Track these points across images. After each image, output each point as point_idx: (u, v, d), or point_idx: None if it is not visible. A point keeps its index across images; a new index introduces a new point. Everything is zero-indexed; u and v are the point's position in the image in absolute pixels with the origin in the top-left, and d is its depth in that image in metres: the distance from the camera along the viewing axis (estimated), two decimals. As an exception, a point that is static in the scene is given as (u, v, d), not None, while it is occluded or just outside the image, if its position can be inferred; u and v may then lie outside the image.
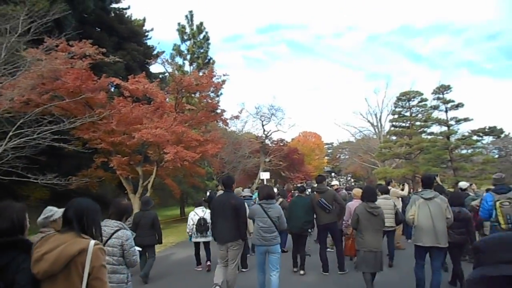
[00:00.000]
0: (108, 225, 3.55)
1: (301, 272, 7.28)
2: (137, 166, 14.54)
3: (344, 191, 11.23)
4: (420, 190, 5.94)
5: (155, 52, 23.89)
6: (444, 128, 23.08)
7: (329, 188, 8.09)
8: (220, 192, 14.16)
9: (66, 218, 2.39)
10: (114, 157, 13.39)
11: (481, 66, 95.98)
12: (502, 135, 34.46)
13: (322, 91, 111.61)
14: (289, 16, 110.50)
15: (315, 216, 7.44)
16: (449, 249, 5.61)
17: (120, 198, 4.07)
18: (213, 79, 14.43)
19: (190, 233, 7.94)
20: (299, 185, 10.82)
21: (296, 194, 8.37)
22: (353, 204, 7.25)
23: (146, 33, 31.76)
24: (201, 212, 7.88)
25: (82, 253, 2.21)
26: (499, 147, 34.29)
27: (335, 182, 10.70)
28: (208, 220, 7.61)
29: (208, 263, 7.93)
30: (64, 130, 10.83)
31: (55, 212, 3.52)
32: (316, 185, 7.72)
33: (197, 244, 8.02)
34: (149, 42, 30.69)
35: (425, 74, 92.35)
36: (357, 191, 8.22)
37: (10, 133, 8.56)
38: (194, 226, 7.79)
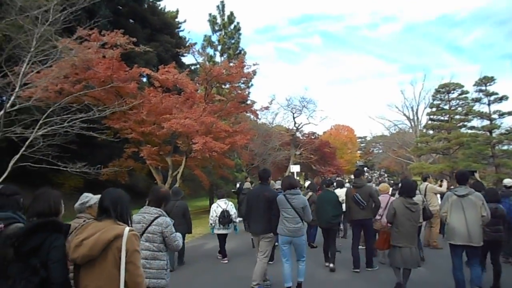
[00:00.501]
0: (148, 212, 3.59)
1: (331, 265, 7.11)
2: (167, 156, 14.53)
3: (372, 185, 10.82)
4: (455, 186, 5.70)
5: (187, 44, 23.84)
6: (486, 122, 21.67)
7: (367, 183, 7.88)
8: (247, 184, 14.16)
9: (102, 206, 2.58)
10: (144, 147, 13.41)
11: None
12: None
13: (355, 83, 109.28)
14: (323, 6, 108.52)
15: (347, 211, 7.29)
16: (487, 247, 5.51)
17: (159, 185, 4.05)
18: (243, 69, 14.13)
19: (213, 225, 7.98)
20: (327, 179, 10.58)
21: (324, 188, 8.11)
22: (380, 199, 7.29)
23: (179, 25, 32.00)
24: (223, 204, 7.98)
25: (118, 238, 2.39)
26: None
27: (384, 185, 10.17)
28: (231, 212, 7.87)
29: (225, 260, 8.02)
30: (94, 119, 10.88)
31: (90, 198, 3.65)
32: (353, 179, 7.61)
33: (220, 236, 8.05)
34: (181, 34, 31.05)
35: (465, 67, 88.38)
36: (383, 186, 8.41)
37: (41, 121, 8.62)
38: (217, 218, 7.84)
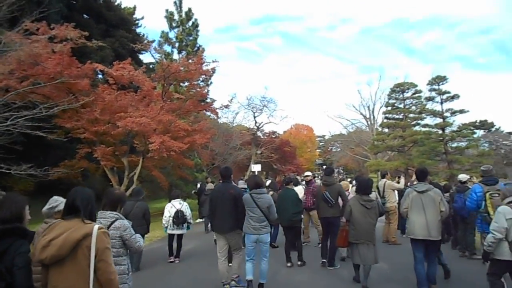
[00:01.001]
0: (104, 217, 3.40)
1: (299, 263, 7.21)
2: (123, 157, 13.99)
3: (318, 181, 11.11)
4: (415, 183, 5.97)
5: (145, 41, 23.10)
6: (439, 120, 22.72)
7: (336, 182, 8.00)
8: (210, 184, 13.91)
9: (72, 206, 2.54)
10: (98, 147, 12.81)
11: (473, 61, 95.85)
12: (493, 129, 34.59)
13: (315, 83, 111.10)
14: (284, 7, 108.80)
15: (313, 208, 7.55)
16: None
17: (113, 188, 3.90)
18: (202, 66, 13.83)
19: (166, 225, 7.94)
20: (286, 177, 10.64)
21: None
22: None
23: (137, 21, 31.00)
24: (178, 205, 7.97)
25: (87, 237, 2.37)
26: (490, 141, 34.33)
27: (308, 173, 10.37)
28: (186, 212, 7.88)
29: (177, 260, 7.97)
30: (42, 118, 10.27)
31: (60, 202, 3.53)
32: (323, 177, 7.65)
33: (171, 236, 8.03)
34: (139, 31, 30.08)
35: (417, 68, 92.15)
36: (344, 184, 8.62)
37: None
38: (171, 218, 7.82)
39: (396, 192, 9.23)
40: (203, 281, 6.42)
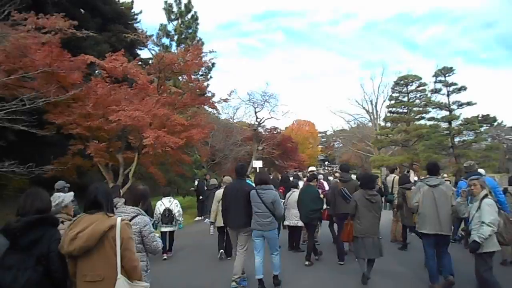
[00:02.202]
0: (125, 211, 3.50)
1: (306, 262, 7.27)
2: (118, 153, 13.40)
3: (333, 179, 10.92)
4: (425, 177, 5.93)
5: (144, 36, 22.44)
6: (446, 113, 21.92)
7: (353, 178, 8.26)
8: (213, 180, 13.52)
9: (95, 201, 2.80)
10: (91, 143, 12.23)
11: (476, 55, 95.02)
12: (495, 124, 33.93)
13: (317, 79, 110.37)
14: (286, 2, 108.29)
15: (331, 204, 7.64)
16: None
17: (137, 183, 4.40)
18: (201, 58, 13.14)
19: (156, 222, 8.04)
20: (308, 173, 10.76)
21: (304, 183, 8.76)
22: None
23: (135, 16, 30.35)
24: (167, 203, 8.21)
25: (112, 229, 2.63)
26: (492, 135, 33.79)
27: (311, 168, 10.99)
28: (174, 210, 8.16)
29: (170, 254, 8.36)
30: (32, 113, 9.76)
31: (63, 197, 3.71)
32: (338, 173, 8.29)
33: (163, 234, 8.21)
34: (139, 26, 29.32)
35: (421, 63, 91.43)
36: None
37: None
38: (160, 216, 8.07)
39: None
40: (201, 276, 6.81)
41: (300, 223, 7.95)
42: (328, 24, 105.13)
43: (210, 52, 13.62)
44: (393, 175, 8.76)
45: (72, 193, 3.93)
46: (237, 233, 5.98)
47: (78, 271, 2.62)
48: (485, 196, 4.70)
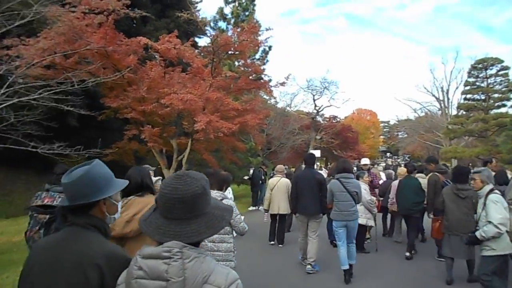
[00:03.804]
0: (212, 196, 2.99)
1: (407, 254, 7.00)
2: (172, 138, 13.12)
3: (391, 170, 11.04)
4: None
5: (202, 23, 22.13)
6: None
7: (448, 169, 8.17)
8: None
9: (142, 183, 2.92)
10: (145, 128, 12.00)
11: None
12: None
13: (380, 66, 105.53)
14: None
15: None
16: None
17: (217, 169, 5.49)
18: (257, 37, 12.34)
19: None
20: (362, 166, 10.05)
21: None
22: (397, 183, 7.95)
23: (195, 5, 30.28)
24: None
25: None
26: None
27: (365, 161, 10.24)
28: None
29: None
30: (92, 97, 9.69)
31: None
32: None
33: None
34: (198, 14, 29.24)
35: (497, 48, 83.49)
36: (402, 170, 8.50)
37: (2, 90, 7.19)
38: None
39: None
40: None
41: (371, 222, 7.41)
42: (394, 9, 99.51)
43: (267, 30, 12.68)
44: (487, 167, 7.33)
45: (159, 178, 4.10)
46: (308, 220, 6.13)
47: (130, 253, 2.32)
48: (491, 191, 4.36)
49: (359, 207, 7.01)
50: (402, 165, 21.31)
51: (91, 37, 10.58)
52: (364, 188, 7.15)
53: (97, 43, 10.53)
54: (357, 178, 7.67)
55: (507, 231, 4.09)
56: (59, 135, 9.44)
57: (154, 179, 3.72)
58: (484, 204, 4.43)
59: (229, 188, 7.53)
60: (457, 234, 5.30)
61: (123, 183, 1.82)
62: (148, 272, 1.23)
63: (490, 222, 4.22)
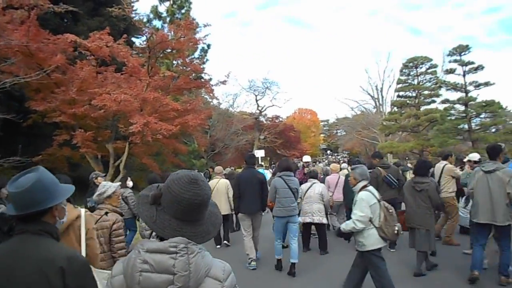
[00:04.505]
0: None
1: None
2: (107, 142, 12.32)
3: (327, 167, 11.14)
4: (486, 161, 5.23)
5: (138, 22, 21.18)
6: (461, 95, 20.28)
7: (390, 164, 8.35)
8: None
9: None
10: (77, 132, 11.13)
11: (480, 40, 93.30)
12: (499, 110, 32.49)
13: (319, 67, 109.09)
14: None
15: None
16: None
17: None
18: (195, 34, 11.93)
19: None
20: (303, 164, 10.29)
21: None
22: (332, 178, 8.38)
23: (132, 4, 29.01)
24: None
25: (78, 218, 2.70)
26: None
27: (306, 159, 10.46)
28: None
29: None
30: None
31: (108, 187, 3.61)
32: (374, 161, 7.71)
33: None
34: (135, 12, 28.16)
35: (425, 49, 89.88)
36: (334, 166, 8.98)
37: None
38: None
39: (454, 180, 7.17)
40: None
41: (325, 220, 7.02)
42: (332, 11, 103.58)
43: (205, 26, 12.35)
44: (445, 162, 7.43)
45: (118, 184, 3.85)
46: (251, 218, 6.27)
47: None
48: (363, 187, 4.38)
49: (317, 206, 6.86)
50: (342, 162, 21.98)
51: (12, 35, 9.63)
52: (324, 187, 7.15)
53: (18, 41, 9.60)
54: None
55: (376, 227, 4.19)
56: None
57: (108, 185, 3.64)
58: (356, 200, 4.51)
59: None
60: (415, 227, 5.42)
61: (71, 187, 1.89)
62: (155, 266, 1.27)
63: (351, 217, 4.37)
